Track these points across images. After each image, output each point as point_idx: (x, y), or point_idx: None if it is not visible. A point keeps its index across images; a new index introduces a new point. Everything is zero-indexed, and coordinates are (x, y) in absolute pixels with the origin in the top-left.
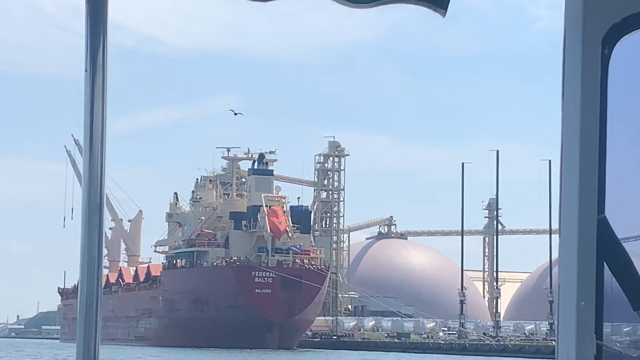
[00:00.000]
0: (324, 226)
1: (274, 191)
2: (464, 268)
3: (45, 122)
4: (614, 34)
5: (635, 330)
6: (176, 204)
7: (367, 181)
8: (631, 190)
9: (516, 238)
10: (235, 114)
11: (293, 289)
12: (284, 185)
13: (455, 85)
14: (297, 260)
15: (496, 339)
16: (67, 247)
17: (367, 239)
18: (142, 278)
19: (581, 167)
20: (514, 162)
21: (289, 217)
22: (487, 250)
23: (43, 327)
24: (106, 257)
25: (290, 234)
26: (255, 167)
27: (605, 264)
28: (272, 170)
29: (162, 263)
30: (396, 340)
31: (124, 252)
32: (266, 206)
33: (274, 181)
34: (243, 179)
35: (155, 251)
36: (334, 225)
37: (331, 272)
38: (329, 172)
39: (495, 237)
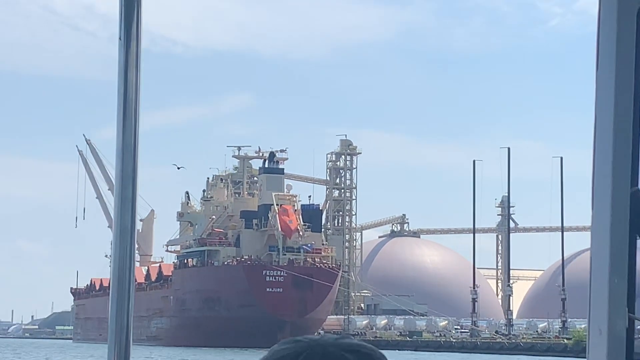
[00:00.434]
0: (336, 225)
1: (285, 190)
2: (478, 266)
3: (57, 122)
4: None
5: None
6: (188, 203)
7: (380, 179)
8: None
9: (529, 236)
10: (178, 168)
11: (304, 287)
12: (296, 183)
13: (468, 83)
14: (308, 259)
15: (508, 337)
16: (79, 246)
17: (379, 237)
18: (153, 278)
19: (615, 139)
20: (527, 160)
21: (300, 216)
22: (500, 248)
23: (57, 327)
24: None
25: (301, 233)
26: (266, 165)
27: (638, 236)
28: (283, 169)
29: (173, 262)
30: (408, 338)
31: (137, 251)
32: (277, 205)
33: (285, 180)
34: (255, 178)
35: (167, 251)
36: (347, 223)
37: (343, 271)
38: (341, 171)
39: (507, 234)
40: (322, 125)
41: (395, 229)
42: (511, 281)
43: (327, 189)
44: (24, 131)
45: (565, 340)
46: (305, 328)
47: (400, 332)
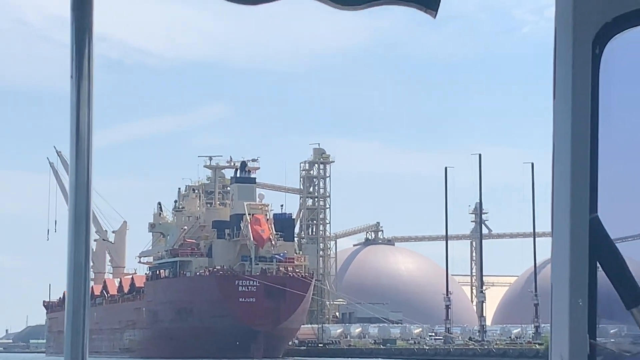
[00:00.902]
0: (310, 233)
1: (257, 199)
2: (453, 273)
3: (28, 134)
4: (604, 33)
5: (629, 329)
6: (160, 214)
7: (354, 188)
8: (623, 190)
9: (504, 242)
10: None
11: (277, 297)
12: (269, 193)
13: (441, 90)
14: (281, 269)
15: (481, 343)
16: (52, 259)
17: (354, 245)
18: (126, 289)
19: (573, 167)
20: (501, 166)
21: (272, 225)
22: (474, 254)
23: (31, 341)
24: (91, 269)
25: (273, 242)
26: (238, 175)
27: (598, 263)
28: (255, 178)
29: (146, 274)
30: (382, 347)
31: (109, 263)
32: (249, 214)
33: (257, 189)
34: (227, 188)
35: (139, 262)
36: (321, 232)
37: (316, 280)
38: (314, 179)
39: (479, 241)
40: (295, 134)
41: (370, 237)
42: (485, 287)
43: (300, 197)
44: None
45: (537, 345)
46: (279, 338)
47: (375, 340)
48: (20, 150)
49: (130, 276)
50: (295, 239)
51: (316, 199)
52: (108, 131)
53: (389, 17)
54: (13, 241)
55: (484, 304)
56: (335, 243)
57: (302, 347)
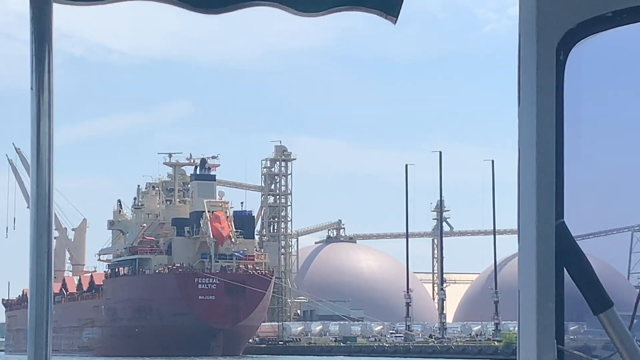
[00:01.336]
0: (272, 231)
1: (217, 196)
2: (415, 271)
3: None
4: (569, 39)
5: (595, 334)
6: (119, 211)
7: (316, 185)
8: (589, 195)
9: (466, 239)
10: None
11: (237, 295)
12: (230, 190)
13: (403, 88)
14: (241, 266)
15: (440, 340)
16: (10, 257)
17: (316, 243)
18: (85, 287)
19: (538, 173)
20: (462, 164)
21: (232, 223)
22: (435, 252)
23: None
24: None
25: (233, 240)
26: (198, 172)
27: (564, 269)
28: (215, 176)
29: (105, 272)
30: (342, 344)
31: (69, 261)
32: (209, 212)
33: (217, 186)
34: (187, 185)
35: (99, 260)
36: (282, 230)
37: (277, 277)
38: (275, 177)
39: (440, 238)
40: (258, 132)
41: (332, 235)
42: (446, 285)
43: (262, 195)
44: None
45: (496, 342)
46: (239, 336)
47: (335, 337)
48: None
49: (90, 274)
50: (257, 236)
51: (277, 197)
52: (69, 128)
53: (352, 17)
54: None
55: (444, 301)
56: (297, 241)
57: (263, 345)
